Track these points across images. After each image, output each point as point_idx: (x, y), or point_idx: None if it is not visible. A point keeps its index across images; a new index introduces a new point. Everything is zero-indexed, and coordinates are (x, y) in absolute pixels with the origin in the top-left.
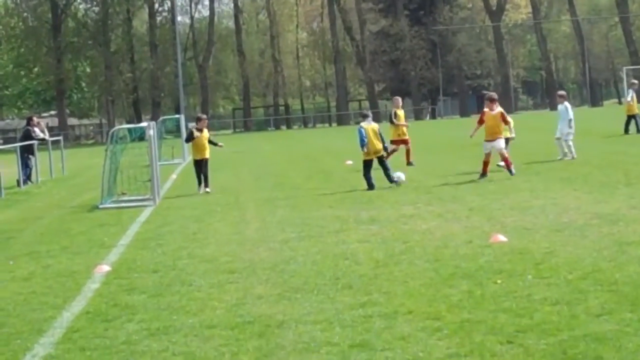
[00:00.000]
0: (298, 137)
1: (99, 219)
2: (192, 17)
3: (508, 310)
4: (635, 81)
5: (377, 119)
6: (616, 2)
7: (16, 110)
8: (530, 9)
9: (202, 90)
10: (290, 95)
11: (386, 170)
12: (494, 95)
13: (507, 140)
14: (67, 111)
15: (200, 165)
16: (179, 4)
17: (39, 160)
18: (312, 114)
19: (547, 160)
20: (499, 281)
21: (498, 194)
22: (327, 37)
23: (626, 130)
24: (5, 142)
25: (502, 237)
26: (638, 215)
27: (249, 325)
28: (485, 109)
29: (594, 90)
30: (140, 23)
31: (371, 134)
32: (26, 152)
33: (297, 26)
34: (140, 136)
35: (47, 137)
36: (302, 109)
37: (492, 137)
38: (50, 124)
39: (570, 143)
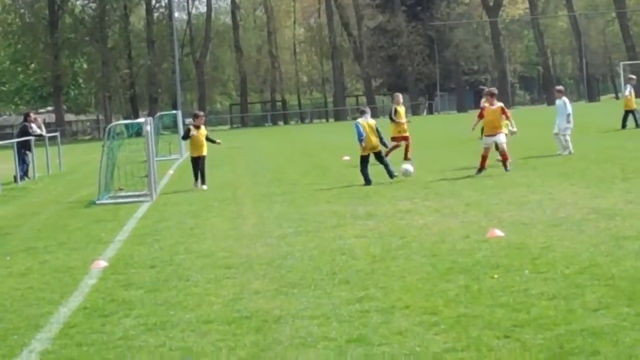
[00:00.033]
0: (295, 133)
1: (96, 215)
2: (189, 13)
3: (505, 305)
4: (633, 76)
5: (374, 114)
6: None
7: (13, 107)
8: (527, 5)
9: (199, 86)
10: (288, 91)
11: (387, 167)
12: (494, 90)
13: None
14: (64, 107)
15: (198, 163)
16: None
17: (36, 156)
18: (309, 109)
19: (544, 155)
20: (495, 276)
21: (495, 189)
22: (324, 32)
23: (623, 125)
24: (2, 138)
25: (499, 232)
26: (635, 209)
27: (246, 321)
28: (485, 104)
29: (591, 86)
30: (138, 19)
31: (368, 130)
32: (23, 148)
33: (294, 22)
34: (138, 132)
35: (44, 133)
36: (299, 104)
37: (492, 132)
38: (47, 120)
39: (568, 138)
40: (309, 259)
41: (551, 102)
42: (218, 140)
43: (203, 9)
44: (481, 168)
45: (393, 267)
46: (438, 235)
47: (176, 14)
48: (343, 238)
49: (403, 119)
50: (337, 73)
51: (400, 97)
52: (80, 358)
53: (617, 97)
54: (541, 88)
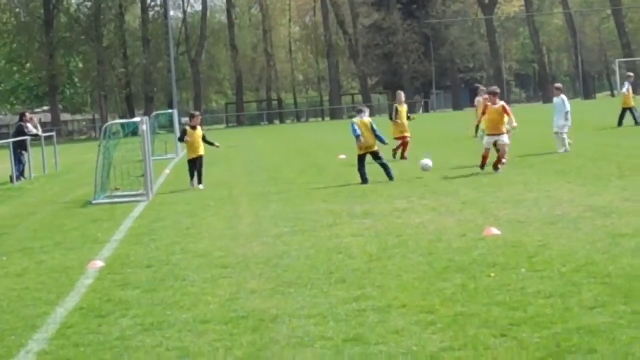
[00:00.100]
0: (291, 132)
1: (93, 215)
2: (184, 12)
3: (502, 304)
4: (631, 74)
5: (370, 113)
6: None
7: (9, 106)
8: (522, 2)
9: (195, 85)
10: (283, 89)
11: (386, 170)
12: (497, 89)
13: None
14: (60, 107)
15: (195, 163)
16: None
17: (32, 156)
18: (305, 108)
19: (541, 153)
20: (492, 274)
21: (492, 188)
22: (319, 31)
23: (620, 123)
24: None
25: (495, 231)
26: (631, 207)
27: (242, 320)
28: (487, 103)
29: (587, 83)
30: (133, 18)
31: (363, 128)
32: (19, 148)
33: (289, 20)
34: (134, 131)
35: (40, 133)
36: (295, 103)
37: (494, 132)
38: (43, 120)
39: (565, 136)
40: (305, 258)
41: (547, 99)
42: (217, 144)
43: (198, 7)
44: (482, 166)
45: (390, 266)
46: (435, 234)
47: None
48: (340, 237)
49: (404, 119)
50: (333, 71)
51: (402, 95)
52: (77, 358)
53: (613, 95)
54: (537, 86)
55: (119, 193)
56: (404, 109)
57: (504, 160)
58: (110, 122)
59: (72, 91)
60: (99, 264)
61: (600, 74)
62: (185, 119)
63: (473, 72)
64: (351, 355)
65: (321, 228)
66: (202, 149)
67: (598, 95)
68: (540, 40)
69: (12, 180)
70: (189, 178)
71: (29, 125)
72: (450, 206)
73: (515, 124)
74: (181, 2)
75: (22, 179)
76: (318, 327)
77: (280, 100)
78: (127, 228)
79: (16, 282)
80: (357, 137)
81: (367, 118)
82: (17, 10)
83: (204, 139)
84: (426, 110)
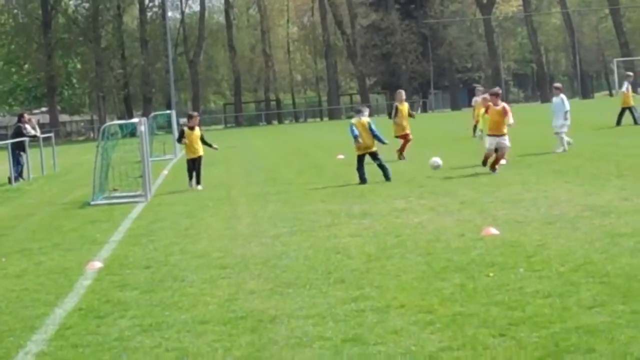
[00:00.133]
0: (289, 132)
1: (91, 216)
2: (182, 13)
3: (500, 303)
4: (631, 73)
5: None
6: None
7: (7, 107)
8: (520, 2)
9: (193, 85)
10: (282, 90)
11: (384, 170)
12: (498, 90)
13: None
14: (58, 108)
15: (194, 164)
16: None
17: (31, 157)
18: (303, 108)
19: (539, 153)
20: (491, 274)
21: (490, 187)
22: (317, 31)
23: (618, 122)
24: None
25: (494, 230)
26: (629, 207)
27: (241, 321)
28: (489, 103)
29: (585, 83)
30: (131, 19)
31: (360, 129)
32: (17, 149)
33: (287, 21)
34: (132, 132)
35: (38, 133)
36: (294, 103)
37: (496, 132)
38: (41, 121)
39: (563, 136)
40: (304, 259)
41: (545, 99)
42: (215, 145)
43: (196, 8)
44: (485, 163)
45: (388, 266)
46: (433, 234)
47: (169, 14)
48: (338, 237)
49: (404, 118)
50: (331, 72)
51: (402, 94)
52: (76, 359)
53: (611, 94)
54: (535, 85)
55: (117, 194)
56: (404, 107)
57: (503, 161)
58: (108, 123)
59: (70, 92)
60: (98, 264)
61: (598, 74)
62: (184, 120)
63: (471, 72)
64: (350, 355)
65: (319, 228)
66: (200, 150)
67: (596, 95)
68: (538, 40)
69: (10, 181)
70: (187, 179)
71: (27, 126)
72: (449, 206)
73: (511, 121)
74: (179, 3)
75: (21, 179)
76: (316, 327)
77: (278, 101)
78: (126, 229)
79: (15, 283)
80: (355, 137)
81: (365, 118)
82: (15, 11)
83: (202, 140)
84: (424, 110)
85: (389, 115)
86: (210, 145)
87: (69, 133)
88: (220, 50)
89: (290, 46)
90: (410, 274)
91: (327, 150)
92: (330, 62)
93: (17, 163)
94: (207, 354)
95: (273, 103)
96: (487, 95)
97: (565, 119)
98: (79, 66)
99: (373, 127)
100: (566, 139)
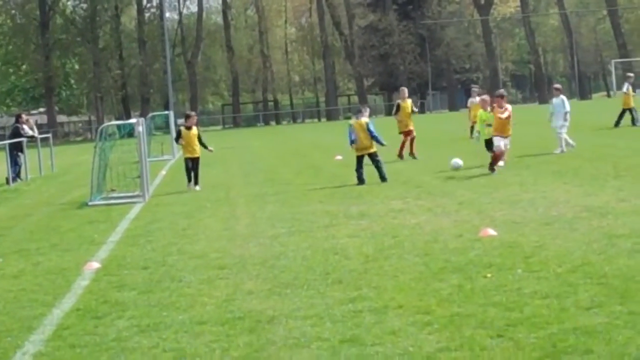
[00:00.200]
0: (287, 133)
1: (89, 216)
2: (180, 13)
3: (498, 304)
4: (631, 74)
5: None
6: None
7: (5, 108)
8: (518, 3)
9: (191, 86)
10: (279, 90)
11: (379, 170)
12: (503, 92)
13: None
14: (56, 108)
15: (192, 163)
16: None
17: (28, 158)
18: (301, 109)
19: (537, 154)
20: (488, 275)
21: (488, 188)
22: (315, 32)
23: (617, 123)
24: None
25: (491, 231)
26: (627, 207)
27: (239, 321)
28: (494, 104)
29: (583, 83)
30: (129, 19)
31: (358, 129)
32: (15, 150)
33: (285, 21)
34: (130, 133)
35: (36, 134)
36: (291, 104)
37: (502, 133)
38: (39, 121)
39: (563, 136)
40: (302, 259)
41: (543, 100)
42: (210, 148)
43: (194, 8)
44: (492, 167)
45: (386, 266)
46: (431, 235)
47: (167, 14)
48: (336, 238)
49: (406, 115)
50: (329, 72)
51: (405, 91)
52: None
53: (608, 95)
54: (533, 86)
55: (115, 194)
56: (406, 104)
57: (501, 163)
58: (106, 124)
59: (68, 92)
60: (95, 265)
61: (596, 75)
62: (181, 120)
63: (469, 73)
64: (347, 356)
65: (317, 229)
66: (198, 150)
67: (594, 96)
68: (536, 41)
69: (8, 182)
70: (185, 180)
71: (25, 126)
72: (446, 207)
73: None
74: (177, 4)
75: (18, 180)
76: (314, 328)
77: (276, 101)
78: (123, 229)
79: (12, 283)
80: (351, 142)
81: (364, 119)
82: (13, 12)
83: (199, 140)
84: (422, 111)
85: (392, 112)
86: (205, 147)
87: (66, 133)
88: (218, 50)
89: (288, 47)
90: (408, 275)
91: (325, 151)
92: (328, 63)
93: (14, 163)
94: (204, 355)
95: (271, 104)
96: (485, 97)
97: (565, 119)
98: (76, 67)
99: (371, 127)
100: (569, 140)
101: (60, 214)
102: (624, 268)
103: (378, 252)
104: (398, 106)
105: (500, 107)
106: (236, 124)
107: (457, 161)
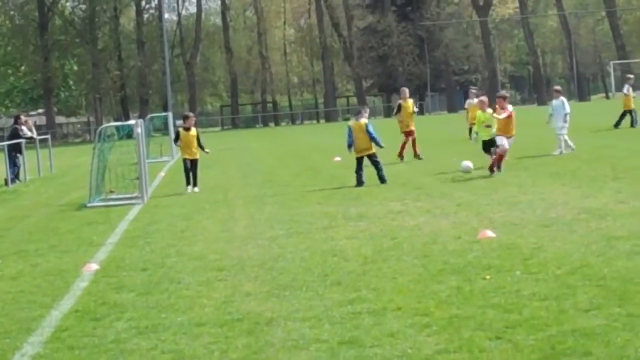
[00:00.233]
0: (286, 134)
1: (87, 218)
2: (179, 14)
3: (497, 306)
4: (631, 76)
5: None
6: None
7: (3, 109)
8: (517, 4)
9: (189, 87)
10: (278, 92)
11: (379, 172)
12: (505, 93)
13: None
14: (55, 109)
15: (190, 164)
16: (166, 1)
17: (27, 159)
18: (300, 110)
19: (535, 155)
20: (487, 277)
21: (486, 190)
22: (314, 33)
23: (617, 124)
24: None
25: (490, 233)
26: (626, 209)
27: (237, 323)
28: (496, 106)
29: (582, 85)
30: (128, 20)
31: (357, 130)
32: (14, 151)
33: (284, 23)
34: (128, 134)
35: (34, 135)
36: (290, 105)
37: (505, 133)
38: (37, 123)
39: (563, 137)
40: (300, 261)
41: (542, 101)
42: (207, 150)
43: (193, 9)
44: (499, 166)
45: (384, 268)
46: (429, 236)
47: (166, 15)
48: (334, 239)
49: (407, 115)
50: (328, 74)
51: (406, 91)
52: None
53: (607, 97)
54: (531, 88)
55: (113, 196)
56: (408, 104)
57: (495, 167)
58: (105, 125)
59: (66, 94)
60: (94, 266)
61: (594, 76)
62: (180, 122)
63: (468, 74)
64: (346, 357)
65: (316, 230)
66: (196, 151)
67: (592, 97)
68: (535, 42)
69: (6, 183)
70: (184, 182)
71: (24, 127)
72: (445, 208)
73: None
74: (176, 5)
75: (17, 181)
76: (313, 330)
77: (275, 103)
78: (122, 231)
79: (11, 285)
80: (349, 146)
81: (363, 120)
82: (12, 13)
83: (197, 141)
84: (421, 112)
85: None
86: (202, 149)
87: (65, 135)
88: (216, 52)
89: (287, 48)
90: (407, 277)
91: (324, 152)
92: (326, 64)
93: (13, 165)
94: (203, 356)
95: (270, 105)
96: (483, 98)
97: (565, 121)
98: (75, 68)
99: (370, 129)
100: (569, 143)
101: (59, 215)
102: (623, 270)
103: (377, 253)
104: (399, 106)
105: (502, 108)
106: (235, 125)
107: (468, 164)
